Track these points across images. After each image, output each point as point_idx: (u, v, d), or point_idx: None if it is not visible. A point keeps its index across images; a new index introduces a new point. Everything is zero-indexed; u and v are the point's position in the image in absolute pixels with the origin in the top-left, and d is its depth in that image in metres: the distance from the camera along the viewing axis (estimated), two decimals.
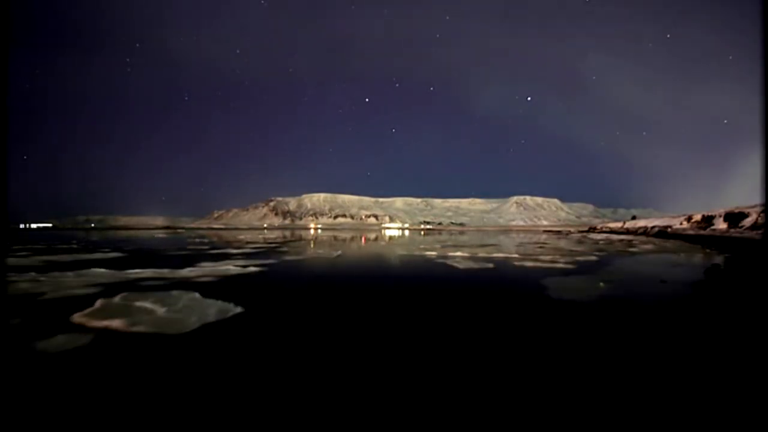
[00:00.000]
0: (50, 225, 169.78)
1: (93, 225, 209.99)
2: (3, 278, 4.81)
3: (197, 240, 29.74)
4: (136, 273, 8.48)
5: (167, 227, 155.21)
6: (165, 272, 8.61)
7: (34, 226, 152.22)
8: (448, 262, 11.78)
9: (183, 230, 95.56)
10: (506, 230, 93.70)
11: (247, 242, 25.07)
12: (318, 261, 12.76)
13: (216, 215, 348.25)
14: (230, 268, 9.71)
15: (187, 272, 8.70)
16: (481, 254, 14.67)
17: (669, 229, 36.01)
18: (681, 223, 36.90)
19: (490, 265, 10.87)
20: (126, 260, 12.24)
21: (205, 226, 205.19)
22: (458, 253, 14.98)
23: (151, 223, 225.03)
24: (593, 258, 13.27)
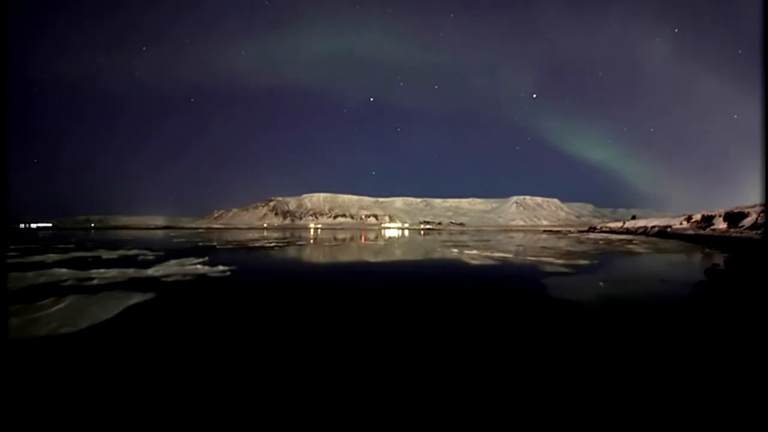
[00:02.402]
0: (50, 225, 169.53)
1: (93, 225, 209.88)
2: (3, 278, 4.82)
3: (206, 239, 29.77)
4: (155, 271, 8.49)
5: (167, 227, 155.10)
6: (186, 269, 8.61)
7: (34, 225, 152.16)
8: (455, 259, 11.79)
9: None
10: (506, 230, 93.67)
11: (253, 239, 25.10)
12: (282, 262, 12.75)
13: (216, 215, 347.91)
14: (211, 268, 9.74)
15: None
16: (479, 252, 14.68)
17: (669, 229, 36.00)
18: (681, 223, 36.88)
19: (492, 262, 10.89)
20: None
21: (204, 226, 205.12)
22: (455, 250, 15.01)
23: (151, 223, 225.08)
24: (593, 257, 13.28)
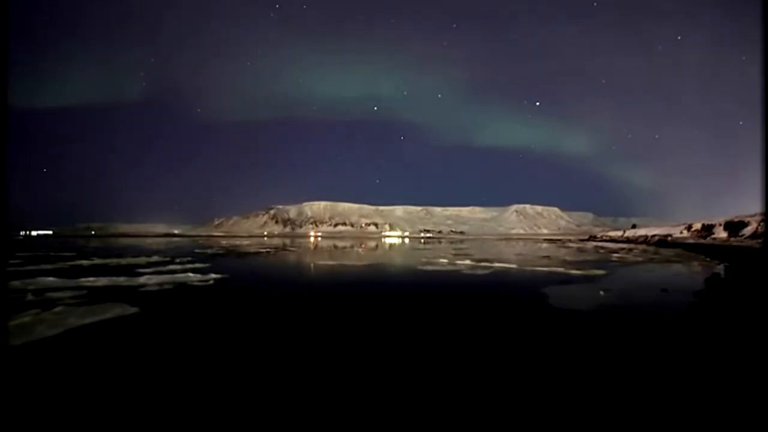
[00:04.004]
0: (50, 232, 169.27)
1: (93, 233, 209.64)
2: (3, 284, 4.77)
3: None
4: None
5: (167, 235, 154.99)
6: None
7: (34, 233, 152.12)
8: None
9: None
10: (506, 239, 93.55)
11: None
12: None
13: (216, 223, 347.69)
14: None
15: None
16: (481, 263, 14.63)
17: (669, 238, 35.96)
18: (681, 232, 36.87)
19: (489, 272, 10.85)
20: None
21: (204, 234, 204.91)
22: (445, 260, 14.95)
23: (151, 231, 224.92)
24: (593, 266, 13.23)
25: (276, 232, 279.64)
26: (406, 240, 70.66)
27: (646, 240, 40.72)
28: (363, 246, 35.56)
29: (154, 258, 16.72)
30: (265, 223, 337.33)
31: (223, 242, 48.17)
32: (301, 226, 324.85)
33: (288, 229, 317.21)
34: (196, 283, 8.45)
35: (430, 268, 12.69)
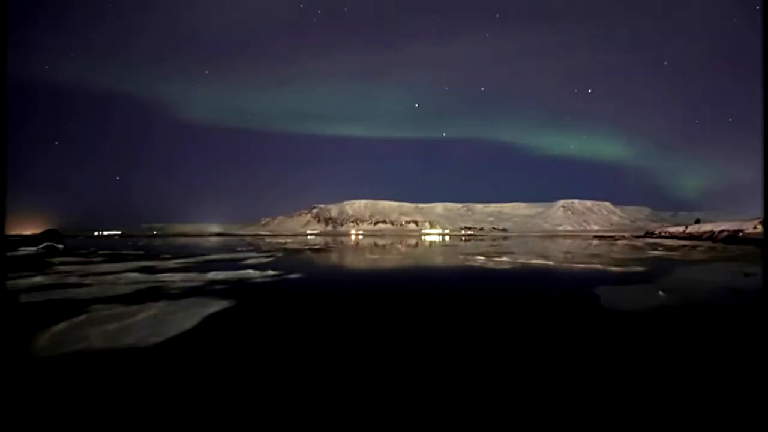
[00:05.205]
0: (119, 233, 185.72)
1: (155, 232, 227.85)
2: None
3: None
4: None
5: (220, 234, 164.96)
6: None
7: (105, 233, 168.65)
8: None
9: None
10: (552, 236, 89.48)
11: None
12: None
13: (263, 222, 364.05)
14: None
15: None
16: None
17: (740, 234, 32.67)
18: (755, 227, 33.30)
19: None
20: None
21: (252, 233, 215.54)
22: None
23: (206, 231, 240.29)
24: (647, 266, 12.50)
25: (318, 231, 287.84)
26: (446, 238, 69.97)
27: (712, 236, 37.23)
28: (403, 244, 35.85)
29: (233, 254, 18.31)
30: (308, 222, 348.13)
31: (275, 240, 50.59)
32: (342, 225, 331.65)
33: (329, 228, 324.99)
34: (292, 277, 9.74)
35: (469, 264, 12.68)
